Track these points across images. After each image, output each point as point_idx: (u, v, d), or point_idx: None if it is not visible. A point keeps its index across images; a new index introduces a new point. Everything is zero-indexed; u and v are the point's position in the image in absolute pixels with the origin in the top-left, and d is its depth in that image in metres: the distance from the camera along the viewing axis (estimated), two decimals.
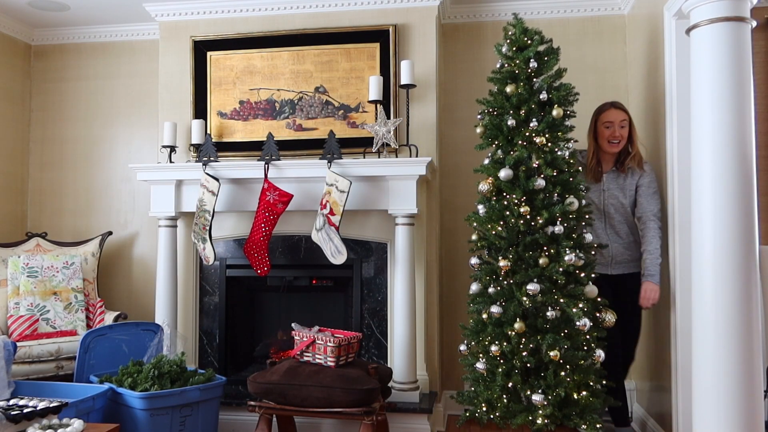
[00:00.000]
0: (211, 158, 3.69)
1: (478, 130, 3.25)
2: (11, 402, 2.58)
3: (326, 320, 3.79)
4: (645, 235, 3.16)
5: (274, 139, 3.68)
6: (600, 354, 2.96)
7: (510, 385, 2.97)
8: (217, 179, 3.61)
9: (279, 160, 3.61)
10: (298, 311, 4.07)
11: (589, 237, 3.08)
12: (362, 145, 3.72)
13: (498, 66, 3.26)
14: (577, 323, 2.91)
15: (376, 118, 3.63)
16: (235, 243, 3.93)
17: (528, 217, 3.03)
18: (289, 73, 3.94)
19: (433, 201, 3.85)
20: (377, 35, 3.83)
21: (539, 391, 2.92)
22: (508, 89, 3.15)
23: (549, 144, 3.08)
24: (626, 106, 3.95)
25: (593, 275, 3.06)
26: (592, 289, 3.06)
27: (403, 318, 3.44)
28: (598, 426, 2.91)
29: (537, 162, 3.05)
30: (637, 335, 3.36)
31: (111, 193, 4.52)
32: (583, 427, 2.90)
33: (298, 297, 4.16)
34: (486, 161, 3.21)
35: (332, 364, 3.05)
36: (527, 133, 3.10)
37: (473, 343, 3.13)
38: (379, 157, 3.63)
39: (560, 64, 3.30)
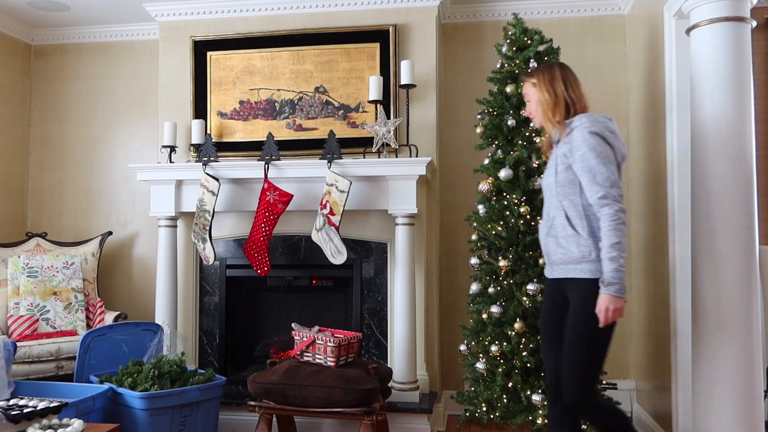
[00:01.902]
0: (211, 158, 3.69)
1: (478, 130, 3.25)
2: (11, 402, 2.58)
3: (326, 320, 3.78)
4: (600, 229, 2.22)
5: (274, 139, 3.68)
6: None
7: (510, 385, 2.98)
8: (217, 179, 3.61)
9: (279, 160, 3.61)
10: (298, 311, 4.07)
11: None
12: (362, 145, 3.71)
13: (498, 66, 3.26)
14: None
15: (376, 118, 3.63)
16: (235, 243, 3.93)
17: (528, 217, 3.03)
18: (289, 73, 3.94)
19: (433, 201, 3.85)
20: (377, 35, 3.83)
21: (539, 391, 2.93)
22: (508, 89, 3.15)
23: None
24: (626, 107, 3.97)
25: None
26: None
27: (403, 318, 3.44)
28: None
29: (537, 162, 3.05)
30: (570, 368, 2.25)
31: (111, 193, 4.51)
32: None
33: (298, 297, 4.16)
34: (486, 161, 3.21)
35: (332, 364, 3.05)
36: (527, 133, 3.10)
37: (473, 343, 3.13)
38: (379, 157, 3.62)
39: None
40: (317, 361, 3.11)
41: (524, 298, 2.96)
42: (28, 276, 3.85)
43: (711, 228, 2.42)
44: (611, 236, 2.14)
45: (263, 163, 3.59)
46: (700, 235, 2.46)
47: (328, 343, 3.07)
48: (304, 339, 3.17)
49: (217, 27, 4.04)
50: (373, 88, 3.61)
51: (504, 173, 3.06)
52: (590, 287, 2.22)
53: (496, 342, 2.99)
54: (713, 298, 2.40)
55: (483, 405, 3.02)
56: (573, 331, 2.26)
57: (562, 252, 2.31)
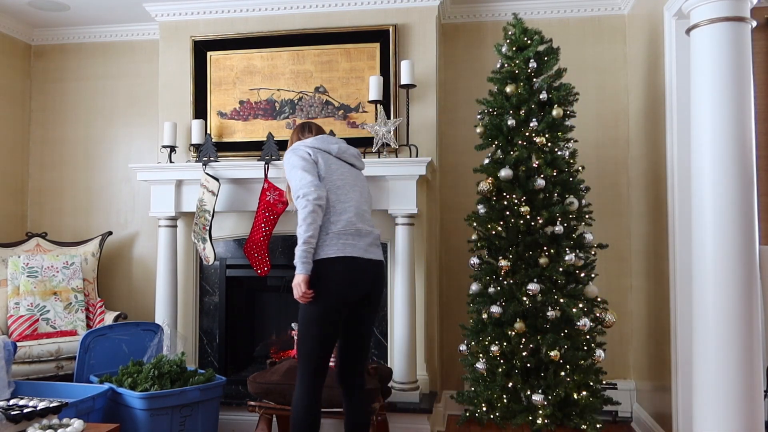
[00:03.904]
0: (211, 158, 3.69)
1: (478, 130, 3.25)
2: (11, 402, 2.58)
3: None
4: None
5: (274, 139, 3.68)
6: (600, 354, 2.96)
7: (510, 385, 2.97)
8: (217, 179, 3.61)
9: (279, 160, 3.60)
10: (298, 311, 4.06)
11: (589, 237, 3.08)
12: (362, 145, 3.70)
13: (498, 66, 3.26)
14: (577, 323, 2.91)
15: (376, 118, 3.63)
16: (235, 243, 3.93)
17: (528, 217, 3.03)
18: (289, 73, 3.94)
19: (433, 201, 3.85)
20: (377, 35, 3.83)
21: (539, 391, 2.92)
22: (508, 89, 3.15)
23: (549, 144, 3.08)
24: (626, 106, 3.98)
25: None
26: (592, 289, 3.06)
27: (403, 318, 3.44)
28: (598, 426, 2.91)
29: (537, 162, 3.05)
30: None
31: (111, 193, 4.51)
32: (583, 427, 2.90)
33: None
34: (486, 161, 3.21)
35: (332, 364, 3.05)
36: (527, 133, 3.10)
37: (473, 343, 3.13)
38: (379, 157, 3.62)
39: (560, 64, 3.30)
40: None
41: (524, 298, 2.96)
42: (28, 276, 3.85)
43: (711, 228, 2.42)
44: (300, 225, 2.55)
45: (263, 163, 3.59)
46: (700, 235, 2.46)
47: None
48: None
49: (217, 27, 4.04)
50: (373, 88, 3.61)
51: (504, 173, 3.05)
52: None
53: (496, 342, 2.99)
54: (713, 297, 2.40)
55: (483, 405, 3.01)
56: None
57: None
